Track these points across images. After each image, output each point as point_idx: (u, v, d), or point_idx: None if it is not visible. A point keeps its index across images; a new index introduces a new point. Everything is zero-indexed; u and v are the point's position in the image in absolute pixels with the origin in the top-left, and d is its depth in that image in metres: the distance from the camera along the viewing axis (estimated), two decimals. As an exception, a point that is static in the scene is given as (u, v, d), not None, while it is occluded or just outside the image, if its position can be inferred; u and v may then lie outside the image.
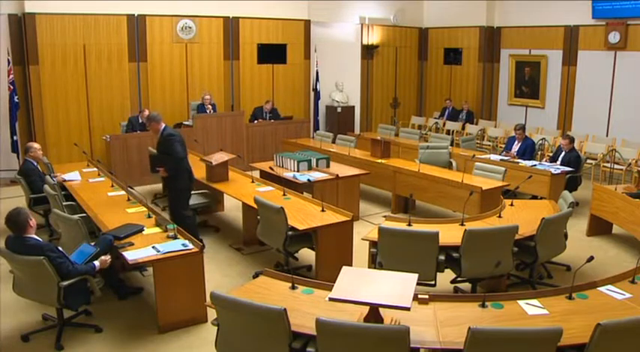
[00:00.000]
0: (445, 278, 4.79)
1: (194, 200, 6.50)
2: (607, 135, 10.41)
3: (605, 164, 9.06)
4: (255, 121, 10.37)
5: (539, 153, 9.25)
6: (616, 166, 8.85)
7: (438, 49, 13.38)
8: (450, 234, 4.61)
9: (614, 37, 10.10)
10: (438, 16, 13.16)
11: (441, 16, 13.07)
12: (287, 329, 3.00)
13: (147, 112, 9.13)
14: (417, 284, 3.27)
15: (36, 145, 6.61)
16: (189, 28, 10.21)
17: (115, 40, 9.53)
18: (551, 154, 8.40)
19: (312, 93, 11.93)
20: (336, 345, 2.93)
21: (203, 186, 6.74)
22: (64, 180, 6.59)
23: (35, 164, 6.45)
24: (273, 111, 10.55)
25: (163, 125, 5.77)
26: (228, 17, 10.59)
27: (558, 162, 7.63)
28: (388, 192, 7.79)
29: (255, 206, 5.29)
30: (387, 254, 4.47)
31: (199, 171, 6.85)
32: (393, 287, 3.18)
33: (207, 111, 9.83)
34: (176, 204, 5.94)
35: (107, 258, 4.26)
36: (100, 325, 4.40)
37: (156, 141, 5.93)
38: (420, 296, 3.44)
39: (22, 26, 8.83)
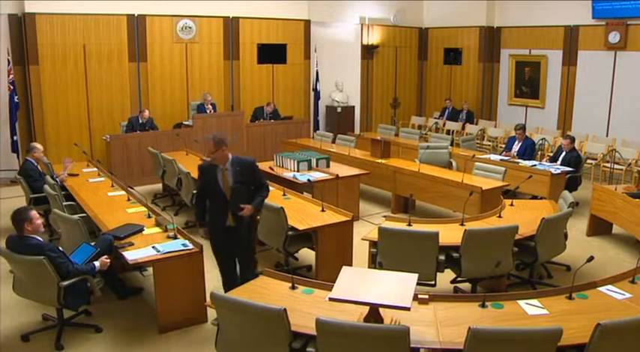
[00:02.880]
0: (445, 278, 4.79)
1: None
2: (607, 135, 10.41)
3: (605, 164, 9.05)
4: (256, 121, 10.38)
5: (539, 153, 9.25)
6: (616, 166, 8.85)
7: (438, 49, 13.38)
8: (450, 234, 4.60)
9: (614, 37, 10.10)
10: (438, 16, 13.16)
11: (441, 16, 13.07)
12: (287, 329, 3.00)
13: (147, 113, 9.17)
14: (417, 284, 3.28)
15: (39, 146, 6.63)
16: (189, 28, 10.22)
17: (115, 40, 9.53)
18: (551, 154, 8.40)
19: (312, 93, 11.93)
20: (336, 345, 2.93)
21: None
22: (67, 175, 6.66)
23: (35, 164, 6.46)
24: (274, 112, 10.55)
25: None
26: (228, 17, 10.59)
27: (558, 162, 7.63)
28: (388, 192, 7.79)
29: (255, 206, 5.28)
30: (387, 254, 4.47)
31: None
32: (393, 287, 3.19)
33: (208, 111, 9.83)
34: (250, 258, 4.52)
35: (107, 259, 4.26)
36: (100, 325, 4.40)
37: (222, 172, 4.27)
38: (420, 296, 3.44)
39: (22, 26, 8.83)
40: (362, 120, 12.84)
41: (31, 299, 4.28)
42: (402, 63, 13.41)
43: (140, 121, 9.09)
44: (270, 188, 5.15)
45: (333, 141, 9.61)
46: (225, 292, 4.11)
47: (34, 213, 4.07)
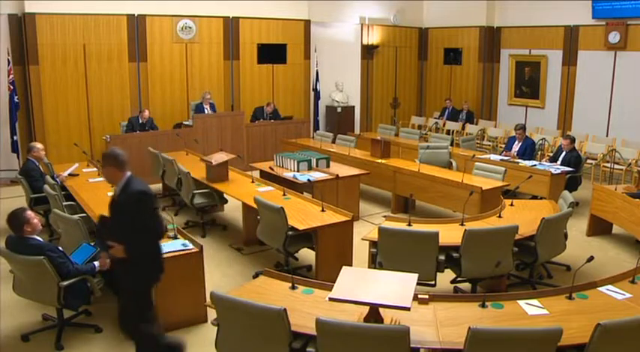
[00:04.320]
0: (445, 278, 4.79)
1: (199, 199, 6.50)
2: (607, 135, 10.41)
3: (605, 164, 9.05)
4: (256, 121, 10.38)
5: (539, 153, 9.25)
6: (616, 166, 8.85)
7: (438, 49, 13.38)
8: (450, 234, 4.60)
9: (614, 37, 10.10)
10: (438, 16, 13.16)
11: (441, 16, 13.07)
12: (287, 329, 3.00)
13: (147, 113, 9.17)
14: (417, 284, 3.28)
15: (39, 145, 6.62)
16: (189, 28, 10.21)
17: (115, 40, 9.53)
18: (551, 154, 8.40)
19: (312, 93, 11.93)
20: (336, 345, 2.93)
21: (204, 186, 6.73)
22: (68, 176, 6.66)
23: (37, 164, 6.46)
24: (274, 112, 10.55)
25: (128, 173, 3.57)
26: (228, 17, 10.59)
27: (558, 162, 7.63)
28: (388, 192, 7.78)
29: (255, 206, 5.29)
30: (387, 254, 4.47)
31: (199, 171, 6.86)
32: (393, 287, 3.19)
33: (205, 110, 9.82)
34: (133, 313, 3.53)
35: (107, 259, 4.25)
36: (100, 325, 4.40)
37: (113, 194, 3.69)
38: (420, 296, 3.44)
39: (22, 26, 8.83)
40: (362, 120, 12.84)
41: (31, 299, 4.28)
42: (402, 63, 13.41)
43: (140, 121, 9.09)
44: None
45: (333, 141, 9.60)
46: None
47: (29, 213, 4.05)
